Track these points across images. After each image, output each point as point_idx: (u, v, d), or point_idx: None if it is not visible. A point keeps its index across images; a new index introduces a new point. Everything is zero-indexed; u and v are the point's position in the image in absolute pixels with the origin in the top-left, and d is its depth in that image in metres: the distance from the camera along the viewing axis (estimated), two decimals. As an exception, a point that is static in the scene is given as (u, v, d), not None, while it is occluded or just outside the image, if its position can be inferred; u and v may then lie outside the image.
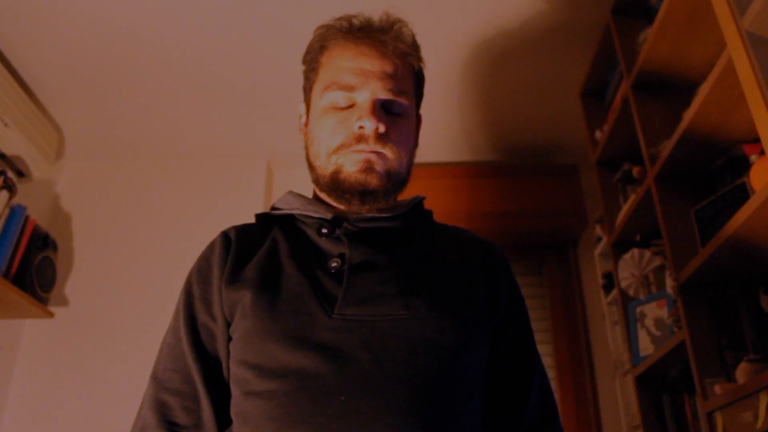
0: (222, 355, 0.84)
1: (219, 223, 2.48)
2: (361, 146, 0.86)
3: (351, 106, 0.88)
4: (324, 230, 0.88)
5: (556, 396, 2.36)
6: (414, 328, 0.78)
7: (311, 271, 0.83)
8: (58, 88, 2.17)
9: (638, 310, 1.78)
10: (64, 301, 2.34)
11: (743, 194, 1.33)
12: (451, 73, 2.17)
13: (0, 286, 1.83)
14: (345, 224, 0.87)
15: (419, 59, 0.97)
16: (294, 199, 0.95)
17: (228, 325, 0.84)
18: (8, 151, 2.07)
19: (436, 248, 0.92)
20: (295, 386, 0.74)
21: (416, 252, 0.89)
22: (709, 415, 1.30)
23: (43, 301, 2.09)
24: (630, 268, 1.80)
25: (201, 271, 0.91)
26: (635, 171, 1.82)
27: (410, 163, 0.95)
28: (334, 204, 0.92)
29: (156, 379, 0.86)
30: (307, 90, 0.97)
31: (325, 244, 0.87)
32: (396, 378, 0.74)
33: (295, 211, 0.92)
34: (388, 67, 0.90)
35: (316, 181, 0.93)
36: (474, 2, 1.87)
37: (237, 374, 0.80)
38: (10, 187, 1.95)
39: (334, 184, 0.88)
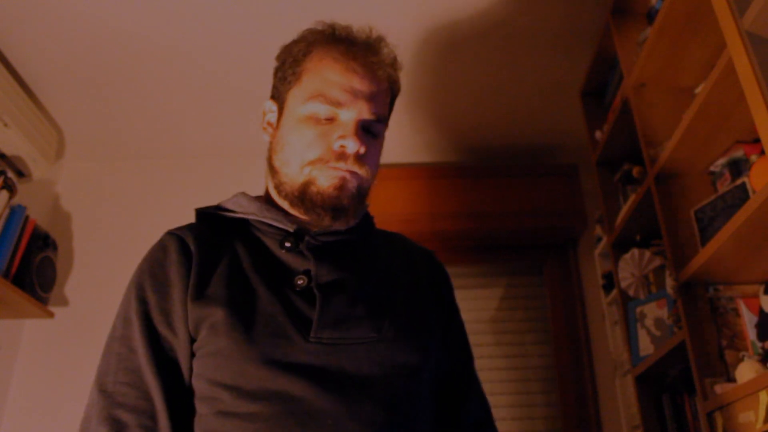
0: (184, 371, 0.81)
1: (219, 223, 2.48)
2: (340, 164, 0.86)
3: (331, 120, 0.87)
4: (287, 244, 0.87)
5: (556, 396, 2.36)
6: (384, 351, 0.82)
7: (279, 288, 0.83)
8: (58, 88, 2.17)
9: (638, 310, 1.78)
10: (64, 301, 2.34)
11: (743, 194, 1.33)
12: (451, 74, 2.17)
13: (0, 286, 1.83)
14: (307, 238, 0.87)
15: (399, 83, 0.99)
16: (248, 202, 0.92)
17: (192, 341, 0.82)
18: (8, 151, 2.07)
19: (388, 262, 0.94)
20: (279, 409, 0.75)
21: (373, 268, 0.91)
22: (709, 415, 1.30)
23: (43, 301, 2.08)
24: (630, 268, 1.80)
25: (156, 276, 0.86)
26: (635, 171, 1.82)
27: (374, 180, 0.95)
28: (292, 212, 0.91)
29: (105, 393, 0.80)
30: (283, 90, 0.93)
31: (288, 258, 0.87)
32: (375, 400, 0.78)
33: (251, 217, 0.90)
34: (376, 90, 0.90)
35: (278, 186, 0.91)
36: (474, 3, 1.87)
37: (206, 393, 0.79)
38: (10, 187, 1.95)
39: (304, 196, 0.87)
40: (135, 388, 0.79)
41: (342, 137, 0.85)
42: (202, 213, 0.94)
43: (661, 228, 1.54)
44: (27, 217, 2.03)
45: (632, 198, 1.78)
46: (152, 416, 0.78)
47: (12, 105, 1.98)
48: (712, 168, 1.52)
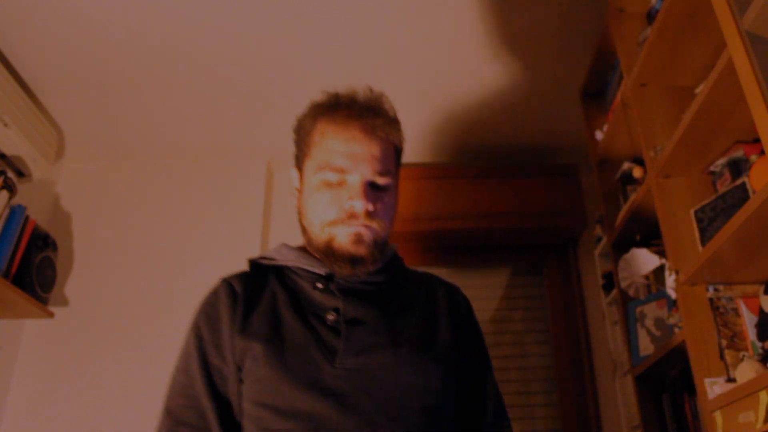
0: (233, 394, 0.96)
1: (219, 223, 2.50)
2: (353, 222, 0.99)
3: (341, 183, 1.01)
4: (319, 285, 1.02)
5: (556, 396, 2.36)
6: (403, 376, 0.94)
7: (310, 322, 0.98)
8: (58, 88, 2.17)
9: (638, 310, 1.78)
10: (64, 301, 2.34)
11: (743, 194, 1.33)
12: (451, 74, 2.17)
13: (0, 286, 1.83)
14: (337, 279, 1.02)
15: (401, 137, 1.09)
16: (288, 251, 1.08)
17: (239, 369, 0.96)
18: (8, 151, 2.07)
19: (411, 297, 1.07)
20: (309, 426, 0.88)
21: (396, 303, 1.04)
22: (709, 415, 1.30)
23: (43, 301, 2.08)
24: (630, 268, 1.80)
25: (209, 316, 1.02)
26: (635, 171, 1.82)
27: (392, 225, 1.06)
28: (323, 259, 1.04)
29: (171, 414, 0.96)
30: (300, 161, 1.10)
31: (320, 297, 1.01)
32: (392, 420, 0.90)
33: (290, 263, 1.06)
34: (376, 150, 1.02)
35: (309, 242, 1.06)
36: (475, 3, 1.87)
37: (252, 413, 0.93)
38: (10, 187, 1.95)
39: (328, 251, 1.00)
40: (194, 410, 0.95)
41: (351, 198, 0.99)
42: (251, 262, 1.11)
43: (661, 228, 1.54)
44: (27, 217, 2.03)
45: (632, 198, 1.78)
46: (207, 431, 0.94)
47: (12, 105, 1.98)
48: (712, 168, 1.52)
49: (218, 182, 2.57)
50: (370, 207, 0.99)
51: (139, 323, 2.30)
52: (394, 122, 1.08)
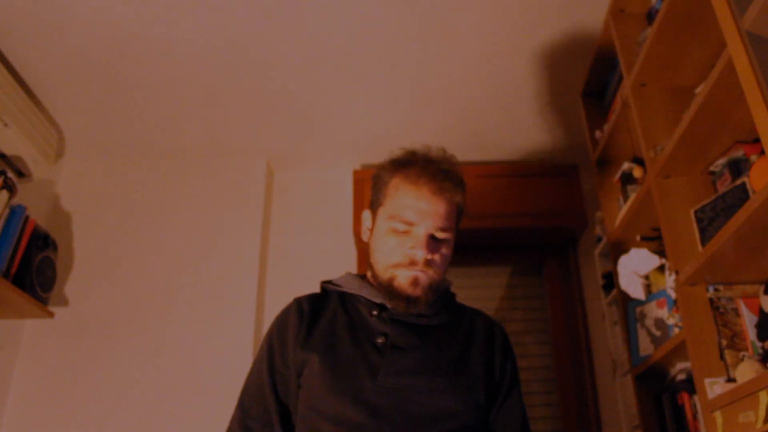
0: (292, 397, 1.16)
1: (219, 222, 2.50)
2: (412, 267, 1.17)
3: (407, 232, 1.18)
4: (374, 312, 1.20)
5: (556, 396, 2.36)
6: (433, 399, 1.10)
7: (361, 343, 1.15)
8: (58, 88, 2.17)
9: (638, 310, 1.78)
10: (64, 301, 2.34)
11: (743, 194, 1.33)
12: (451, 74, 2.17)
13: (0, 286, 1.83)
14: (390, 309, 1.20)
15: (464, 198, 1.25)
16: (353, 280, 1.28)
17: (298, 376, 1.15)
18: (8, 151, 2.07)
19: (454, 331, 1.23)
20: (348, 430, 1.06)
21: (440, 335, 1.20)
22: (709, 415, 1.30)
23: (43, 301, 2.08)
24: (630, 268, 1.80)
25: (280, 330, 1.22)
26: (635, 171, 1.82)
27: (446, 271, 1.24)
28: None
29: (243, 408, 1.17)
30: (375, 206, 1.27)
31: (373, 323, 1.19)
32: None
33: (353, 291, 1.25)
34: (441, 209, 1.18)
35: (373, 276, 1.24)
36: (475, 3, 1.87)
37: (304, 414, 1.12)
38: (10, 187, 1.95)
39: (388, 288, 1.18)
40: (260, 405, 1.15)
41: (413, 247, 1.16)
42: (322, 287, 1.30)
43: (661, 228, 1.54)
44: (27, 217, 2.03)
45: (632, 198, 1.78)
46: (270, 424, 1.13)
47: (12, 105, 1.98)
48: (712, 168, 1.52)
49: (218, 182, 2.57)
50: (429, 256, 1.16)
51: (139, 323, 2.31)
52: (459, 185, 1.24)
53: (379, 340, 1.15)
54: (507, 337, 1.29)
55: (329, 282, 1.29)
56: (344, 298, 1.25)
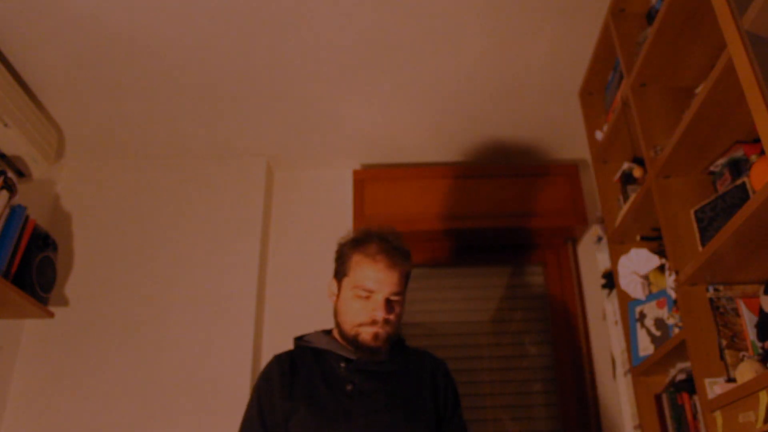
0: None
1: (219, 222, 2.50)
2: (374, 325, 1.44)
3: (368, 297, 1.46)
4: (342, 364, 1.47)
5: (556, 396, 2.36)
6: (395, 427, 1.40)
7: (334, 391, 1.42)
8: (58, 88, 2.17)
9: (638, 310, 1.78)
10: (64, 301, 2.34)
11: (743, 194, 1.33)
12: (451, 74, 2.17)
13: (0, 286, 1.83)
14: (355, 361, 1.47)
15: (410, 266, 1.54)
16: (323, 337, 1.55)
17: (286, 421, 1.40)
18: (8, 151, 2.07)
19: (406, 372, 1.51)
20: None
21: (395, 378, 1.48)
22: (709, 415, 1.30)
23: (43, 301, 2.08)
24: (630, 267, 1.80)
25: (266, 383, 1.48)
26: (635, 171, 1.82)
27: (399, 326, 1.53)
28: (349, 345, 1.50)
29: None
30: (339, 275, 1.54)
31: (343, 373, 1.46)
32: None
33: (324, 347, 1.51)
34: (395, 278, 1.46)
35: (340, 333, 1.51)
36: (475, 3, 1.87)
37: None
38: (10, 187, 1.95)
39: (354, 343, 1.46)
40: None
41: (374, 310, 1.45)
42: (296, 344, 1.58)
43: (661, 228, 1.54)
44: (27, 217, 2.03)
45: (632, 198, 1.78)
46: None
47: (12, 105, 1.98)
48: (712, 168, 1.52)
49: (218, 182, 2.57)
50: (386, 316, 1.45)
51: (139, 323, 2.31)
52: (407, 256, 1.52)
53: (348, 387, 1.43)
54: (448, 371, 1.57)
55: (301, 338, 1.57)
56: (317, 352, 1.51)
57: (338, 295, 1.53)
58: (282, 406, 1.41)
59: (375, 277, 1.45)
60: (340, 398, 1.41)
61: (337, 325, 1.52)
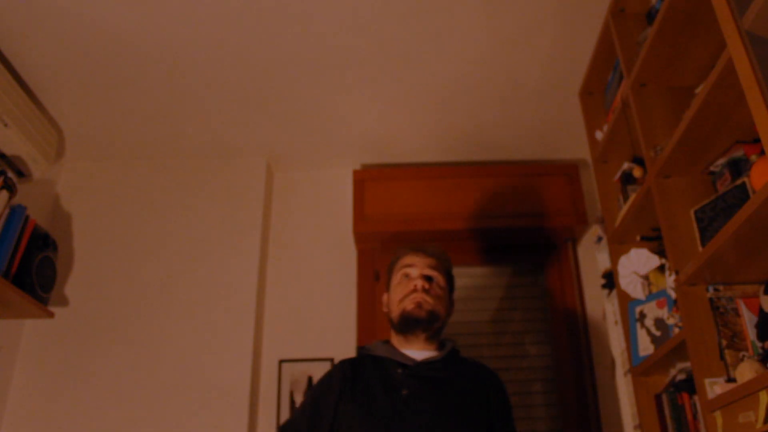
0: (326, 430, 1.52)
1: (219, 222, 2.50)
2: (414, 293, 1.57)
3: (408, 276, 1.60)
4: (399, 370, 1.54)
5: (556, 396, 2.36)
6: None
7: (392, 394, 1.49)
8: (58, 88, 2.17)
9: (638, 310, 1.78)
10: (64, 301, 2.34)
11: (743, 194, 1.33)
12: (451, 74, 2.17)
13: (0, 286, 1.83)
14: (410, 367, 1.54)
15: (449, 266, 1.68)
16: (382, 345, 1.63)
17: (334, 420, 1.50)
18: (8, 151, 2.07)
19: (460, 380, 1.56)
20: None
21: (449, 385, 1.53)
22: (709, 415, 1.30)
23: (43, 301, 2.08)
24: (630, 267, 1.80)
25: (326, 384, 1.59)
26: (635, 171, 1.82)
27: (447, 314, 1.64)
28: (404, 350, 1.59)
29: (288, 426, 1.60)
30: (388, 283, 1.69)
31: (399, 378, 1.53)
32: None
33: (383, 355, 1.59)
34: (431, 261, 1.62)
35: (393, 327, 1.61)
36: (475, 3, 1.87)
37: None
38: (10, 187, 1.95)
39: (402, 320, 1.57)
40: (298, 425, 1.56)
41: (413, 280, 1.59)
42: (359, 352, 1.69)
43: (661, 228, 1.54)
44: (27, 217, 2.03)
45: (632, 198, 1.78)
46: None
47: (12, 105, 1.98)
48: (712, 168, 1.52)
49: (218, 182, 2.57)
50: (426, 285, 1.57)
51: (139, 323, 2.31)
52: (446, 260, 1.67)
53: (404, 392, 1.49)
54: (502, 384, 1.62)
55: (363, 347, 1.69)
56: (376, 360, 1.60)
57: (388, 299, 1.66)
58: (340, 408, 1.50)
59: (411, 258, 1.62)
60: (395, 402, 1.47)
61: (390, 322, 1.62)
